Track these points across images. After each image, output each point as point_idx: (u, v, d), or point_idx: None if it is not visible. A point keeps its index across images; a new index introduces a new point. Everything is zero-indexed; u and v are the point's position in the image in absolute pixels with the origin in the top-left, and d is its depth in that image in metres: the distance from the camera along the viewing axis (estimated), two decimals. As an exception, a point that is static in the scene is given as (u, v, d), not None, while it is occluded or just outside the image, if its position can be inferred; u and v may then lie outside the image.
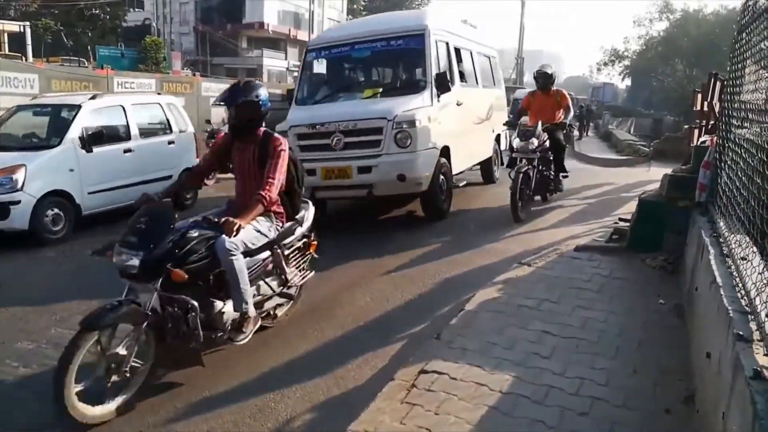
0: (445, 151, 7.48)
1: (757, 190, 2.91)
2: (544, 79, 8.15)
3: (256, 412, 3.30)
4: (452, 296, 4.85)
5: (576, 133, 26.53)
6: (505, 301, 4.51)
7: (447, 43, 8.15)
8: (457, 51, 8.67)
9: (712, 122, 8.19)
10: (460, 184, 8.51)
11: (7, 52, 26.00)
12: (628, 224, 6.18)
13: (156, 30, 42.10)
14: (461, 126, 8.25)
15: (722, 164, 4.55)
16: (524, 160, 7.34)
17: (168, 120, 9.14)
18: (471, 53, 9.44)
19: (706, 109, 9.14)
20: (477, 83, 9.55)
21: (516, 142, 7.48)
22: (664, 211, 5.48)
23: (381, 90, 7.65)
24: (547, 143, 7.80)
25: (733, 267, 3.15)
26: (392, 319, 4.55)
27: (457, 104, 7.96)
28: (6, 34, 29.08)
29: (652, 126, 33.88)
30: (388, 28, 7.82)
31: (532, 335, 3.90)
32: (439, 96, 7.24)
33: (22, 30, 29.16)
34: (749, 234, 3.07)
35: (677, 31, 40.14)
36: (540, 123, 7.75)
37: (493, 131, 10.32)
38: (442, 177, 7.38)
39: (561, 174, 8.30)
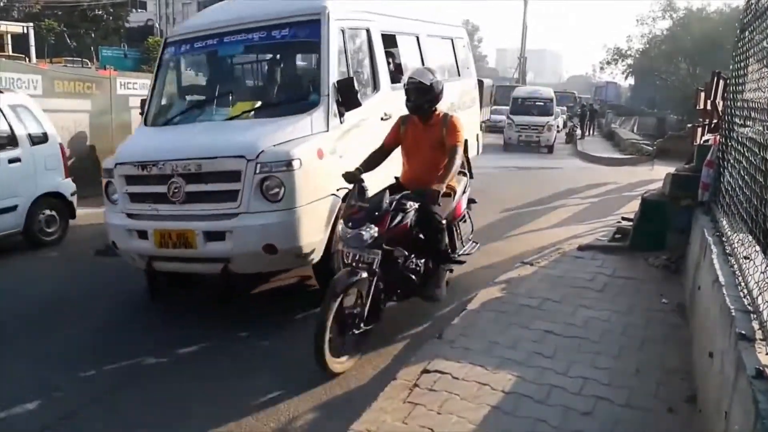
0: None
1: (759, 188, 2.91)
2: (419, 95, 4.26)
3: (258, 411, 3.31)
4: (454, 296, 4.84)
5: (578, 132, 26.47)
6: (507, 301, 4.51)
7: (367, 30, 5.59)
8: (390, 39, 6.25)
9: (715, 121, 8.17)
10: None
11: (10, 53, 26.10)
12: (630, 223, 6.18)
13: (159, 30, 42.20)
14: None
15: (725, 163, 4.54)
16: (356, 262, 3.76)
17: (11, 128, 6.73)
18: (417, 39, 6.94)
19: (709, 107, 9.11)
20: None
21: (341, 229, 3.95)
22: (667, 210, 5.48)
23: (256, 106, 5.23)
24: (410, 220, 4.04)
25: (735, 266, 3.15)
26: (394, 318, 4.53)
27: (383, 118, 5.36)
28: (9, 36, 29.17)
29: (655, 125, 33.77)
30: (271, 11, 5.24)
31: (534, 335, 3.90)
32: (341, 115, 4.86)
33: (25, 31, 29.26)
34: (752, 233, 3.06)
35: (680, 29, 40.00)
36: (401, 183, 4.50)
37: None
38: None
39: (446, 264, 4.52)
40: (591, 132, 29.77)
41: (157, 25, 43.61)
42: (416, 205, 4.02)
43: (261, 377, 3.70)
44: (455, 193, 4.54)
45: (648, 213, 5.72)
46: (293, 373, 3.72)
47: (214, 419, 3.24)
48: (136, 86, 11.81)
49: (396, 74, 6.16)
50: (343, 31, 5.17)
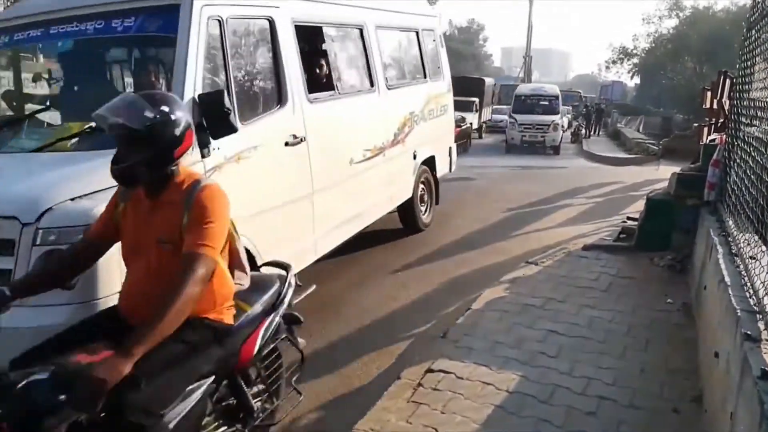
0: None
1: (766, 188, 2.90)
2: (126, 148, 2.07)
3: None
4: (459, 295, 4.84)
5: (583, 131, 26.35)
6: (511, 301, 4.50)
7: (269, 20, 4.08)
8: (307, 32, 4.84)
9: (721, 120, 8.13)
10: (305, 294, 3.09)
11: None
12: (636, 223, 6.16)
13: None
14: (305, 184, 4.34)
15: (731, 162, 4.53)
16: None
17: None
18: (360, 32, 5.44)
19: (715, 106, 9.06)
20: (372, 85, 5.50)
21: None
22: (673, 210, 5.45)
23: (85, 128, 3.31)
24: None
25: (741, 266, 3.13)
26: (398, 317, 4.55)
27: (289, 143, 4.09)
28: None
29: (661, 124, 33.61)
30: None
31: (538, 334, 3.89)
32: (204, 146, 3.28)
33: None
34: (758, 233, 3.05)
35: (687, 28, 39.86)
36: None
37: (416, 156, 6.31)
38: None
39: None
40: (597, 132, 29.40)
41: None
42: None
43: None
44: (246, 315, 2.39)
45: (653, 213, 5.70)
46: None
47: (218, 418, 3.25)
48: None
49: (321, 81, 5.03)
50: (220, 23, 3.60)
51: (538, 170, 13.06)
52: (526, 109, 20.67)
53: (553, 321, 4.09)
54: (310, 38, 5.06)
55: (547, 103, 21.20)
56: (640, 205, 6.68)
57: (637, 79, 51.22)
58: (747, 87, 4.40)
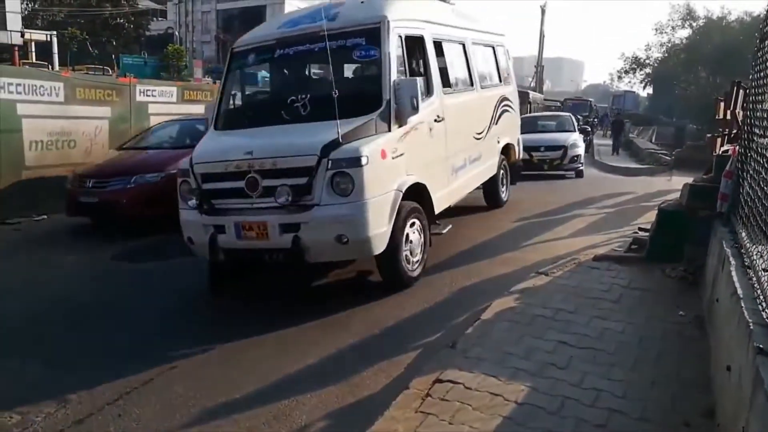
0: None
1: (779, 200, 2.87)
2: None
3: (271, 419, 3.32)
4: (468, 305, 4.83)
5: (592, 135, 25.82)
6: (521, 311, 4.48)
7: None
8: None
9: (734, 131, 8.08)
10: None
11: (34, 60, 26.63)
12: (647, 234, 6.11)
13: (178, 38, 42.79)
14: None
15: (744, 174, 4.48)
16: None
17: None
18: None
19: (728, 117, 9.01)
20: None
21: None
22: (685, 221, 5.40)
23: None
24: None
25: (754, 278, 3.10)
26: (407, 327, 4.54)
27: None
28: (33, 43, 29.77)
29: (674, 134, 33.43)
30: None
31: (548, 345, 3.86)
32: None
33: (49, 39, 29.85)
34: (771, 245, 3.02)
35: (700, 38, 39.68)
36: None
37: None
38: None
39: None
40: (616, 150, 25.32)
41: (177, 34, 44.20)
42: None
43: (272, 385, 3.72)
44: None
45: (665, 224, 5.65)
46: (305, 381, 3.72)
47: (226, 426, 3.26)
48: (155, 93, 11.96)
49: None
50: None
51: (549, 180, 12.99)
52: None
53: (563, 332, 4.06)
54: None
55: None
56: (651, 216, 6.63)
57: (649, 89, 51.00)
58: (760, 97, 4.36)
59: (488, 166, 7.91)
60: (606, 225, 7.76)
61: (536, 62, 43.20)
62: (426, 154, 5.77)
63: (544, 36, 42.48)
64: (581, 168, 14.42)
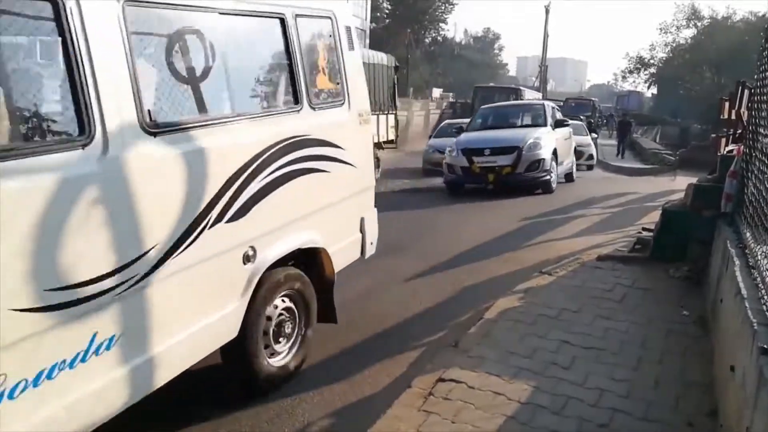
0: None
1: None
2: None
3: (273, 417, 3.32)
4: (471, 304, 4.83)
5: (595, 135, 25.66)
6: (525, 310, 4.48)
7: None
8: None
9: (739, 131, 8.05)
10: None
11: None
12: (651, 234, 6.10)
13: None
14: None
15: (749, 173, 4.47)
16: None
17: None
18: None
19: (733, 117, 8.99)
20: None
21: None
22: (689, 221, 5.39)
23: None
24: None
25: (758, 279, 3.09)
26: (410, 326, 4.54)
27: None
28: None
29: (678, 134, 33.35)
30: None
31: (551, 345, 3.86)
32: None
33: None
34: (775, 245, 3.01)
35: (705, 38, 39.57)
36: None
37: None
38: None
39: None
40: (621, 153, 23.82)
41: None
42: None
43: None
44: None
45: (669, 224, 5.64)
46: (308, 379, 3.73)
47: (227, 424, 3.26)
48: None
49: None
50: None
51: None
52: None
53: (566, 331, 4.05)
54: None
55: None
56: (655, 216, 6.62)
57: (654, 89, 50.89)
58: (765, 97, 4.34)
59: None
60: (610, 225, 7.76)
61: (540, 62, 43.16)
62: None
63: (548, 36, 42.47)
64: (548, 179, 10.47)
